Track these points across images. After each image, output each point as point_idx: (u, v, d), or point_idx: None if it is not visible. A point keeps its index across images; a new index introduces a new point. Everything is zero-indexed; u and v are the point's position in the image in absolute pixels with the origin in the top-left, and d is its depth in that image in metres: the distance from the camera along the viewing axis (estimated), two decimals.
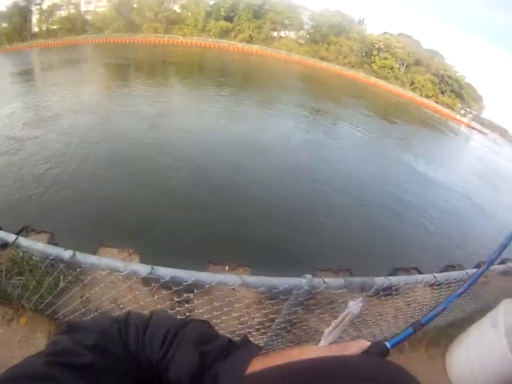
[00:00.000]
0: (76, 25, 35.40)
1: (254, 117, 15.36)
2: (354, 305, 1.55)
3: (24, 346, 1.96)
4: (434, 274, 1.68)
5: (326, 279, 1.40)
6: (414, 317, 2.00)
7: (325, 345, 0.46)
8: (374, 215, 8.13)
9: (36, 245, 1.55)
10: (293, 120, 16.19)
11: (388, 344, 0.43)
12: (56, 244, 2.49)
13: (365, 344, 0.43)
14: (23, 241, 1.55)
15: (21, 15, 32.00)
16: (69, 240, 3.46)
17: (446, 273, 1.75)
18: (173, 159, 8.82)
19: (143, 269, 1.36)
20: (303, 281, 1.38)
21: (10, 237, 1.56)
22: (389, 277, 1.57)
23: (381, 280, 1.53)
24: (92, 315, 1.79)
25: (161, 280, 1.34)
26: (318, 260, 5.52)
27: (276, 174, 9.02)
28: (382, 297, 1.64)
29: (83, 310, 1.77)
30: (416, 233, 7.90)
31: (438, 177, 13.04)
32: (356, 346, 0.42)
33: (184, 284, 1.32)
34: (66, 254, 1.48)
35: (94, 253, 2.50)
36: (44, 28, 34.55)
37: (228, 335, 0.52)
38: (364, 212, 8.18)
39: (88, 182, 7.27)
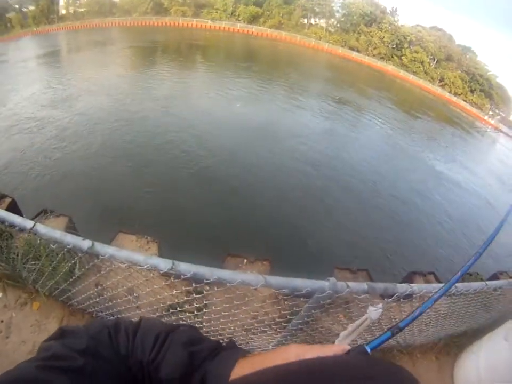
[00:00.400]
0: (104, 7, 35.10)
1: (277, 104, 15.24)
2: (374, 312, 1.51)
3: (37, 331, 1.94)
4: (455, 284, 1.65)
5: (350, 283, 1.37)
6: (428, 324, 1.98)
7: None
8: (391, 211, 8.18)
9: (53, 232, 1.51)
10: (316, 108, 16.05)
11: (367, 347, 0.43)
12: (74, 229, 2.47)
13: (345, 347, 0.43)
14: (41, 228, 1.51)
15: None
16: (87, 224, 3.46)
17: (466, 284, 1.72)
18: (197, 144, 8.89)
19: (164, 264, 1.33)
20: (326, 284, 1.35)
21: (28, 223, 1.53)
22: (411, 285, 1.54)
23: (403, 288, 1.50)
24: (106, 304, 1.78)
25: (182, 277, 1.31)
26: (335, 252, 5.63)
27: (296, 161, 9.19)
28: (401, 302, 1.62)
29: (97, 299, 1.76)
30: (433, 232, 7.93)
31: (459, 178, 12.80)
32: (336, 348, 0.43)
33: (205, 281, 1.29)
34: (85, 244, 1.45)
35: (113, 238, 2.49)
36: (71, 11, 34.52)
37: (215, 339, 0.54)
38: (382, 205, 8.25)
39: (107, 166, 7.32)
